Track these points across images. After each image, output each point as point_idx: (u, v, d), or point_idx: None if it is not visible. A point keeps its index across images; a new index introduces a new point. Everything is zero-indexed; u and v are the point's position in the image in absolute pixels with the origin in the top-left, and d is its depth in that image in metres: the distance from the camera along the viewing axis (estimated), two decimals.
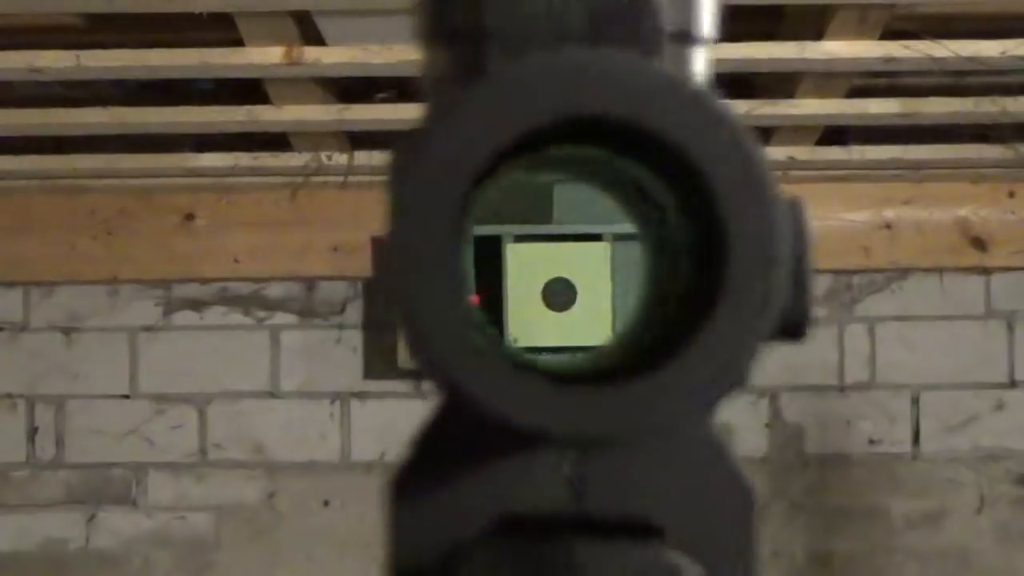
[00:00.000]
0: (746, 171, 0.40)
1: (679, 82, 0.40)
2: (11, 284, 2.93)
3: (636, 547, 0.42)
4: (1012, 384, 2.94)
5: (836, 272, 2.91)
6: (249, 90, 2.30)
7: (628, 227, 2.51)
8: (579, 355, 0.44)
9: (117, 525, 2.92)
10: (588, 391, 0.39)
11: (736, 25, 2.16)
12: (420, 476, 0.43)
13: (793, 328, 0.44)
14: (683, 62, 0.44)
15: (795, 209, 0.43)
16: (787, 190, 0.43)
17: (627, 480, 0.43)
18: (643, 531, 0.43)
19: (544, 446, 0.42)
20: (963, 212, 2.86)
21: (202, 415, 2.93)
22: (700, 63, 0.45)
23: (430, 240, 0.39)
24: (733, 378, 0.40)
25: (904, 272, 2.91)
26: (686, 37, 0.44)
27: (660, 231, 0.45)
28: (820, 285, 2.93)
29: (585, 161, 0.44)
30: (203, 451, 2.92)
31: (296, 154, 2.62)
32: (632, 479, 0.43)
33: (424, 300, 0.39)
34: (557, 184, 2.60)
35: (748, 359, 0.39)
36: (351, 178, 2.68)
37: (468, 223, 0.42)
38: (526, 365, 0.40)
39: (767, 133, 2.57)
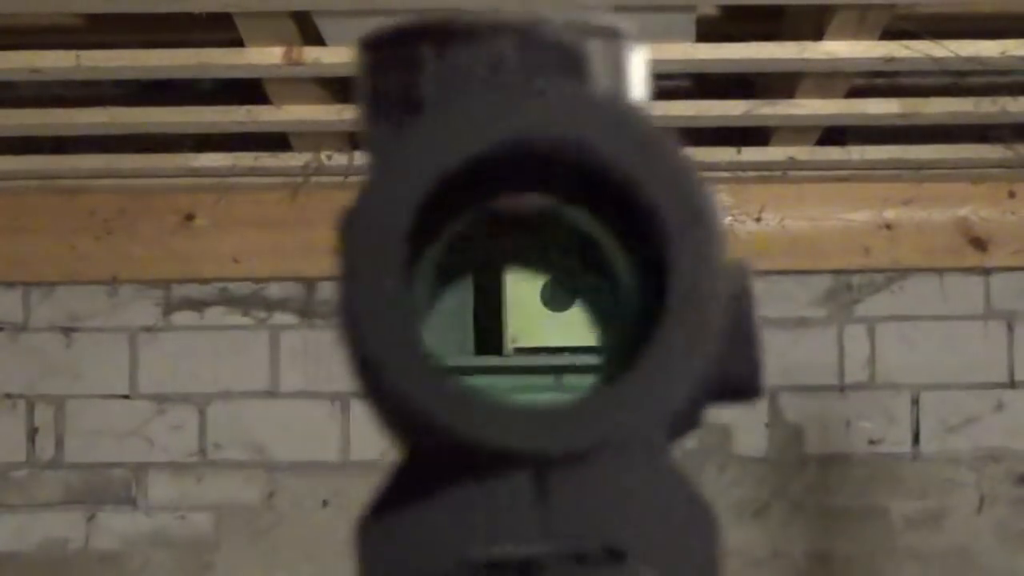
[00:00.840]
0: (686, 198, 0.40)
1: (619, 105, 0.41)
2: (11, 284, 2.93)
3: (602, 570, 0.43)
4: (1012, 384, 2.94)
5: (836, 272, 2.91)
6: (249, 90, 2.30)
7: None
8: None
9: (117, 525, 2.92)
10: (534, 411, 0.40)
11: (736, 25, 2.16)
12: (388, 513, 0.44)
13: (743, 383, 0.45)
14: (619, 85, 0.44)
15: (740, 270, 0.45)
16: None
17: (589, 507, 0.44)
18: (607, 553, 0.44)
19: (505, 474, 0.43)
20: (963, 212, 2.86)
21: (202, 415, 2.93)
22: (638, 81, 0.45)
23: (377, 283, 0.41)
24: (669, 408, 0.40)
25: (904, 272, 2.91)
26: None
27: (610, 276, 0.46)
28: (820, 285, 2.93)
29: (530, 221, 0.45)
30: (203, 451, 2.93)
31: (296, 154, 2.62)
32: (594, 505, 0.44)
33: (376, 336, 0.40)
34: None
35: (681, 391, 0.40)
36: (351, 178, 2.68)
37: (427, 270, 0.44)
38: (482, 394, 0.41)
39: (767, 133, 2.57)
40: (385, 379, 0.40)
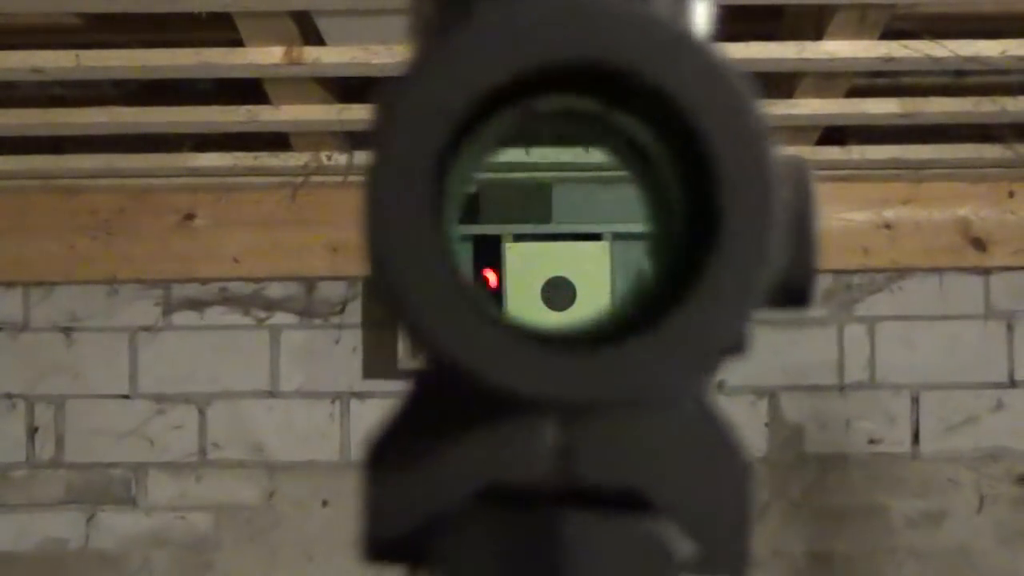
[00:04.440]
0: (741, 123, 0.38)
1: (674, 28, 0.38)
2: (11, 284, 2.93)
3: (625, 518, 0.40)
4: (1012, 384, 2.94)
5: (836, 272, 2.91)
6: (249, 90, 2.30)
7: (628, 227, 2.49)
8: (585, 318, 0.43)
9: (117, 525, 2.92)
10: (572, 355, 0.37)
11: (736, 25, 2.16)
12: (400, 442, 0.42)
13: (796, 293, 0.42)
14: (681, 11, 0.42)
15: (799, 169, 0.42)
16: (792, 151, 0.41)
17: (617, 451, 0.41)
18: (632, 502, 0.41)
19: (530, 414, 0.41)
20: (963, 212, 2.86)
21: (202, 415, 2.93)
22: (700, 15, 0.43)
23: (409, 188, 0.37)
24: (726, 341, 0.38)
25: (904, 272, 2.91)
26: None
27: (657, 187, 0.43)
28: (820, 285, 2.92)
29: (576, 117, 0.42)
30: (203, 451, 2.92)
31: (296, 154, 2.62)
32: (622, 450, 0.42)
33: (401, 252, 0.37)
34: (557, 184, 2.60)
35: (741, 321, 0.38)
36: (351, 178, 2.68)
37: (458, 177, 0.41)
38: (513, 327, 0.39)
39: None
40: (403, 305, 0.37)
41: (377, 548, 0.42)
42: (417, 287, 0.37)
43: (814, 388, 2.92)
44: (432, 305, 0.37)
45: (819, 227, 0.42)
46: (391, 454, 0.42)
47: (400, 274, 0.37)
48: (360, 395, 2.91)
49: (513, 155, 2.58)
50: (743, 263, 0.37)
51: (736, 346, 0.40)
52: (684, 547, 0.41)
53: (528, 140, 0.44)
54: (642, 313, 0.40)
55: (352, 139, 2.59)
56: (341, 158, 2.62)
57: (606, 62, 0.37)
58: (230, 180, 2.75)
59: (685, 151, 0.39)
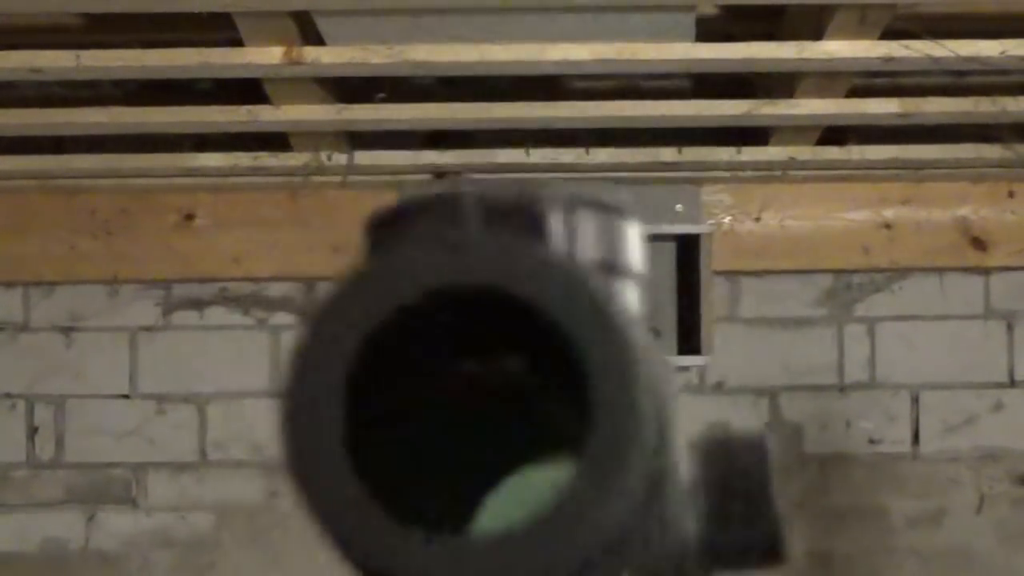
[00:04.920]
0: (618, 356, 0.39)
1: (562, 260, 0.41)
2: (11, 284, 2.93)
3: None
4: (1012, 384, 2.94)
5: (836, 272, 2.91)
6: (249, 90, 2.30)
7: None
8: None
9: (117, 525, 2.92)
10: (464, 550, 0.39)
11: (736, 25, 2.16)
12: None
13: (765, 555, 0.45)
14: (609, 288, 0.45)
15: (758, 441, 0.46)
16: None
17: None
18: None
19: None
20: (963, 212, 2.86)
21: (202, 415, 2.93)
22: (630, 295, 0.46)
23: (316, 416, 0.40)
24: (593, 541, 0.39)
25: (904, 272, 2.91)
26: (611, 267, 0.45)
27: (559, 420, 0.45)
28: (820, 285, 2.93)
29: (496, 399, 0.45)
30: (203, 451, 2.93)
31: (296, 154, 2.62)
32: None
33: (308, 472, 0.40)
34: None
35: (589, 542, 0.39)
36: (351, 178, 2.68)
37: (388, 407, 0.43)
38: (419, 534, 0.40)
39: (767, 133, 2.57)
40: (315, 518, 0.40)
41: None
42: (324, 505, 0.40)
43: (814, 388, 2.92)
44: (338, 519, 0.40)
45: (778, 496, 0.47)
46: None
47: (308, 490, 0.40)
48: None
49: (513, 155, 2.58)
50: (607, 469, 0.39)
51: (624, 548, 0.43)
52: None
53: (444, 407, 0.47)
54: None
55: (352, 139, 2.59)
56: (341, 158, 2.62)
57: (479, 288, 0.40)
58: (230, 180, 2.75)
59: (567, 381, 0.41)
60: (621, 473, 0.39)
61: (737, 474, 0.41)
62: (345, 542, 0.40)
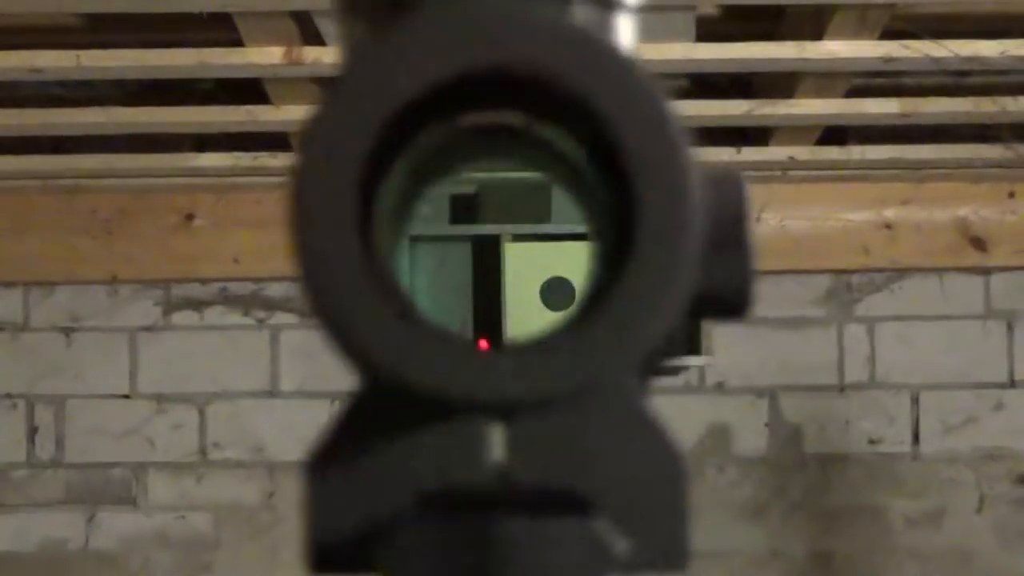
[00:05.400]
0: (656, 130, 0.38)
1: (591, 34, 0.39)
2: (11, 284, 2.93)
3: (562, 520, 0.41)
4: (1012, 384, 2.94)
5: (836, 272, 2.91)
6: (249, 90, 2.30)
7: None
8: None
9: (117, 525, 2.92)
10: (496, 356, 0.38)
11: (736, 25, 2.16)
12: (339, 452, 0.43)
13: (732, 302, 0.43)
14: (601, 23, 0.43)
15: (731, 177, 0.43)
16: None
17: (553, 452, 0.42)
18: (569, 502, 0.42)
19: (464, 418, 0.42)
20: (963, 212, 2.86)
21: (202, 415, 2.93)
22: (624, 30, 0.44)
23: (331, 196, 0.39)
24: (647, 341, 0.38)
25: (904, 272, 2.92)
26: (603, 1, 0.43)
27: (586, 195, 0.44)
28: (820, 285, 2.93)
29: (503, 132, 0.43)
30: (203, 451, 2.93)
31: (296, 154, 2.61)
32: (558, 451, 0.42)
33: (322, 260, 0.39)
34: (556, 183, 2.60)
35: (657, 325, 0.38)
36: None
37: (393, 190, 0.42)
38: (438, 331, 0.40)
39: (767, 133, 2.57)
40: (333, 317, 0.38)
41: (321, 556, 0.42)
42: (339, 296, 0.38)
43: (814, 388, 2.92)
44: (354, 313, 0.38)
45: (753, 236, 0.44)
46: (332, 463, 0.43)
47: (322, 281, 0.38)
48: None
49: None
50: (659, 263, 0.38)
51: (665, 347, 0.42)
52: (621, 545, 0.42)
53: (459, 158, 0.45)
54: (580, 315, 0.41)
55: None
56: None
57: (522, 68, 0.38)
58: (230, 180, 2.75)
59: (606, 159, 0.40)
60: (674, 269, 0.38)
61: (714, 207, 0.40)
62: (361, 339, 0.38)
